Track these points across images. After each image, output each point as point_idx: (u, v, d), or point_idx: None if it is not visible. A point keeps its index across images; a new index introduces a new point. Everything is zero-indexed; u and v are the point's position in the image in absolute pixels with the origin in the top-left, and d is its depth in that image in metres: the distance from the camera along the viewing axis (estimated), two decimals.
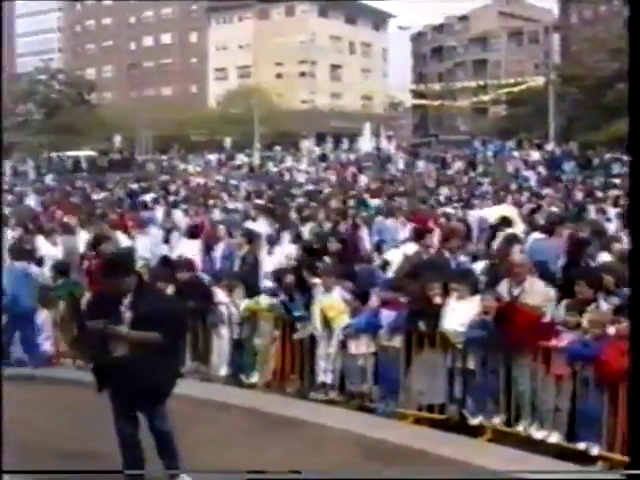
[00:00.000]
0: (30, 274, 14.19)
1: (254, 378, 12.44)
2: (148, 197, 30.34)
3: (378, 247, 16.87)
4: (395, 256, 14.44)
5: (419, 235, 14.84)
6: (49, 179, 50.44)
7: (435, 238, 14.90)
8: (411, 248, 14.49)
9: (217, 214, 23.11)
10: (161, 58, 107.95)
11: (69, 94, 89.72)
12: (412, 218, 19.14)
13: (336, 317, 11.61)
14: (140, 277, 8.09)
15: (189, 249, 16.26)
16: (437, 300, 10.84)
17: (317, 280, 12.37)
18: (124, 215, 22.96)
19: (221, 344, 12.79)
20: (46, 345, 14.06)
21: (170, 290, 12.45)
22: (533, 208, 21.17)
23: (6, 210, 24.51)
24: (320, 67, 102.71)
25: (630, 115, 6.08)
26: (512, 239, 13.57)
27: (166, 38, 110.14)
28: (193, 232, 17.89)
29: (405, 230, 17.90)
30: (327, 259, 14.09)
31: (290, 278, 12.69)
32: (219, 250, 16.68)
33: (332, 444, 9.54)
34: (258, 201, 25.90)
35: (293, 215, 21.76)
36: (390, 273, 13.50)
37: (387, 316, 11.12)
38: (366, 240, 18.21)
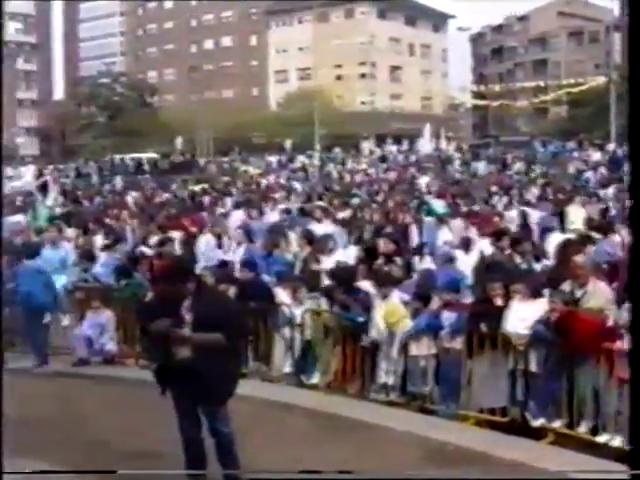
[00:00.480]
0: (44, 272, 14.44)
1: (315, 379, 12.44)
2: (207, 199, 30.53)
3: (420, 249, 16.68)
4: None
5: (495, 237, 14.80)
6: (117, 181, 50.90)
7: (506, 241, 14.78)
8: (486, 249, 14.46)
9: (276, 215, 23.11)
10: (222, 61, 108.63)
11: (131, 97, 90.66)
12: (474, 219, 18.97)
13: (397, 322, 11.57)
14: (200, 279, 8.12)
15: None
16: (499, 301, 10.76)
17: (370, 285, 12.37)
18: (185, 217, 23.06)
19: (283, 345, 12.82)
20: (109, 345, 14.19)
21: (231, 291, 12.50)
22: (603, 209, 20.96)
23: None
24: (380, 69, 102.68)
25: (630, 115, 6.01)
26: (577, 240, 13.43)
27: (227, 41, 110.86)
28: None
29: (462, 232, 17.76)
30: (380, 262, 14.08)
31: (351, 280, 12.69)
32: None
33: (393, 446, 9.49)
34: (319, 203, 25.83)
35: (351, 216, 21.73)
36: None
37: (448, 317, 11.07)
38: (415, 240, 18.17)
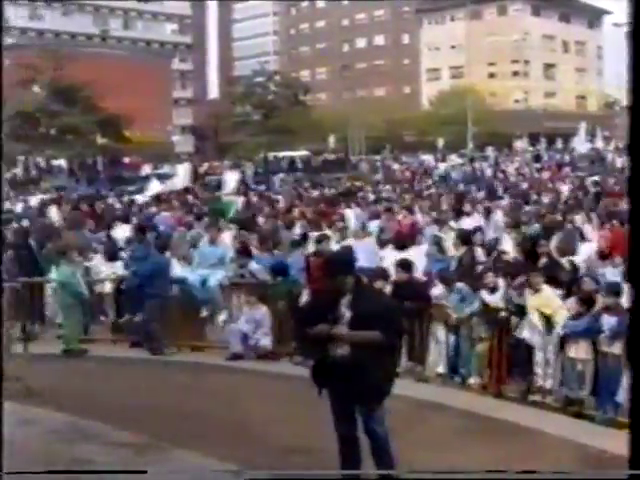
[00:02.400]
0: (168, 265, 15.23)
1: (470, 380, 12.35)
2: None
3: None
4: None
5: None
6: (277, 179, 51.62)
7: None
8: None
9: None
10: (374, 59, 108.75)
11: (285, 96, 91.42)
12: None
13: (554, 313, 11.41)
14: (359, 276, 8.12)
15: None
16: None
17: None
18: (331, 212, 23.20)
19: (438, 345, 12.76)
20: (264, 340, 14.37)
21: (387, 289, 12.51)
22: None
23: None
24: (533, 66, 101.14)
25: (631, 114, 5.78)
26: None
27: (379, 40, 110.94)
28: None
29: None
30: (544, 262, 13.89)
31: (505, 279, 12.59)
32: None
33: (547, 450, 9.34)
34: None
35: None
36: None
37: (608, 321, 10.81)
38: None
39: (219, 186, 34.88)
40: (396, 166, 58.31)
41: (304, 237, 17.78)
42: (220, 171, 55.15)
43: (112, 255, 17.42)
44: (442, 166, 54.12)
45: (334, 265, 8.08)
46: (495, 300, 12.49)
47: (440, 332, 12.69)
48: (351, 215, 22.73)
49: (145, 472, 7.72)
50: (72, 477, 7.68)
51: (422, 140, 78.64)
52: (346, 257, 8.38)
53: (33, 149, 67.52)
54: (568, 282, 12.96)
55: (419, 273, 14.56)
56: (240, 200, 27.98)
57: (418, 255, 15.61)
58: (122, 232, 20.04)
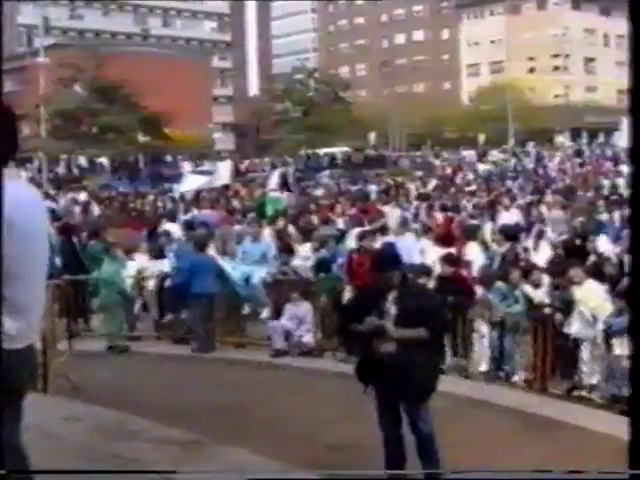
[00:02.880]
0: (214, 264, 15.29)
1: (516, 376, 12.27)
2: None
3: None
4: None
5: None
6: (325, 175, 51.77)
7: None
8: None
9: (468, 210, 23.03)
10: (413, 55, 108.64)
11: (325, 92, 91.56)
12: None
13: (598, 306, 11.34)
14: (404, 272, 8.08)
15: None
16: None
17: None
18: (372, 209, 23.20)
19: (482, 341, 12.70)
20: (308, 337, 14.38)
21: (430, 285, 12.47)
22: None
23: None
24: (573, 61, 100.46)
25: (631, 114, 5.77)
26: None
27: (418, 35, 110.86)
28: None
29: None
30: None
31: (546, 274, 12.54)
32: None
33: (593, 449, 9.23)
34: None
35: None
36: None
37: None
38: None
39: (263, 184, 34.84)
40: (437, 162, 58.21)
41: (345, 234, 17.77)
42: (260, 169, 55.33)
43: (158, 253, 17.48)
44: (482, 164, 53.94)
45: (382, 261, 8.03)
46: (540, 296, 12.41)
47: (484, 328, 12.62)
48: (392, 211, 22.66)
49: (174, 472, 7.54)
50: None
51: (463, 136, 78.35)
52: (393, 253, 8.33)
53: (75, 148, 68.03)
54: (614, 277, 12.85)
55: (464, 268, 14.48)
56: (285, 197, 28.04)
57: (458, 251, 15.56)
58: (169, 229, 20.10)
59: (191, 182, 32.34)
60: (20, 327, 4.09)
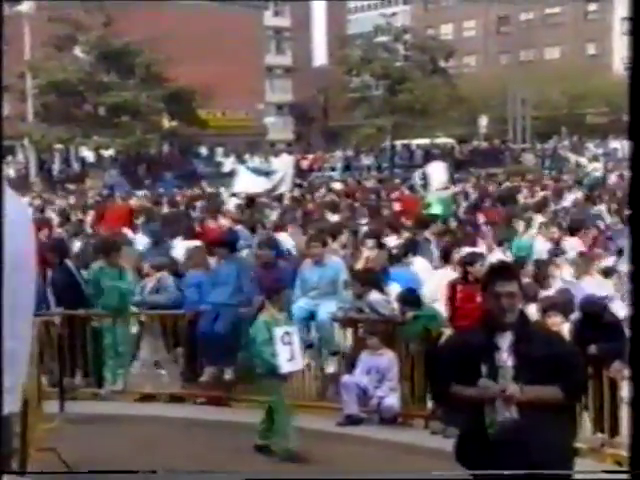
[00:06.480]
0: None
1: None
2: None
3: None
4: None
5: None
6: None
7: None
8: None
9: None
10: (544, 8, 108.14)
11: (419, 62, 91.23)
12: None
13: None
14: (522, 309, 7.83)
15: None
16: None
17: None
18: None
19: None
20: (391, 398, 14.25)
21: (565, 328, 12.36)
22: None
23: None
24: None
25: (631, 114, 6.11)
26: None
27: None
28: None
29: None
30: None
31: None
32: None
33: None
34: None
35: None
36: None
37: None
38: None
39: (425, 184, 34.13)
40: (573, 158, 57.86)
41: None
42: (330, 167, 55.17)
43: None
44: None
45: (496, 274, 7.81)
46: None
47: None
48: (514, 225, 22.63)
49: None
50: None
51: (614, 120, 77.72)
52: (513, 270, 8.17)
53: (75, 135, 67.39)
54: None
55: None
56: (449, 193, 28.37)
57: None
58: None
59: (247, 182, 31.41)
60: None
